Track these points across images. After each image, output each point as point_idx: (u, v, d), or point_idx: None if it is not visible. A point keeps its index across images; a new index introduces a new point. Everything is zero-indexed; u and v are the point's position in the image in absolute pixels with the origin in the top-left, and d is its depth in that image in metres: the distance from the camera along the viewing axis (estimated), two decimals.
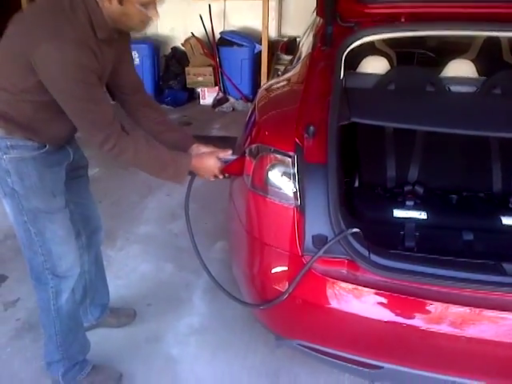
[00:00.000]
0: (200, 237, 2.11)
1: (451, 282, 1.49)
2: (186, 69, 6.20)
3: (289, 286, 1.59)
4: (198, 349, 2.21)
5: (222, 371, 2.08)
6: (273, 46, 5.96)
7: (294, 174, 1.61)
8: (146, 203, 3.56)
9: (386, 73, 2.31)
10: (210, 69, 6.10)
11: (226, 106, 5.97)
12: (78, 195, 1.97)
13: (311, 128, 1.68)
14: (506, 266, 1.56)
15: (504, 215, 2.06)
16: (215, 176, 1.84)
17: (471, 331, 1.47)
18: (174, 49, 6.47)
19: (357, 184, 2.43)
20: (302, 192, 1.60)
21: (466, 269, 1.53)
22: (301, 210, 1.60)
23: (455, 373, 1.54)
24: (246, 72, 6.03)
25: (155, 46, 6.24)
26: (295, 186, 1.61)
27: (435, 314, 1.49)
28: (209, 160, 1.80)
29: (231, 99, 6.08)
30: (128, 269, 2.78)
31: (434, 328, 1.48)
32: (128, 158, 1.65)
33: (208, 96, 6.15)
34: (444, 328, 1.48)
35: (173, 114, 5.81)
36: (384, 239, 1.88)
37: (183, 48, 6.35)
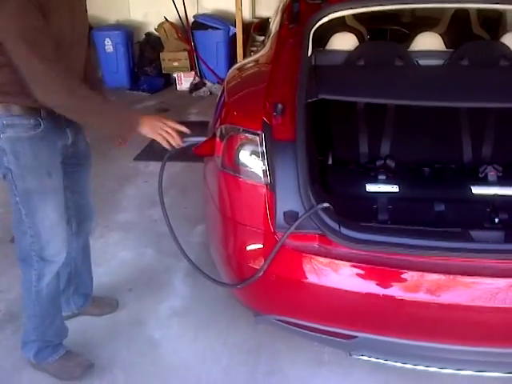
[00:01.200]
0: (180, 221, 2.13)
1: (419, 250, 1.53)
2: (161, 54, 6.12)
3: (263, 263, 1.62)
4: (180, 330, 2.24)
5: (204, 350, 2.11)
6: (247, 27, 5.89)
7: (262, 153, 1.62)
8: (124, 190, 3.55)
9: (355, 49, 2.31)
10: (186, 53, 6.04)
11: (203, 91, 5.93)
12: (77, 184, 1.97)
13: (279, 106, 1.68)
14: (474, 233, 1.60)
15: (474, 185, 2.11)
16: (167, 134, 1.79)
17: (442, 297, 1.51)
18: (148, 34, 6.38)
19: (330, 161, 2.46)
20: (271, 170, 1.62)
21: (433, 237, 1.57)
22: (271, 187, 1.62)
23: (428, 339, 1.58)
24: (222, 55, 5.98)
25: (128, 32, 6.15)
26: (264, 164, 1.62)
27: (404, 283, 1.53)
28: (157, 117, 1.81)
29: (208, 83, 6.04)
30: (108, 256, 2.78)
31: (404, 296, 1.52)
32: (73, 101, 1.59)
33: (184, 81, 6.10)
34: (414, 295, 1.52)
35: (149, 100, 5.77)
36: (358, 214, 1.91)
37: (157, 33, 6.27)
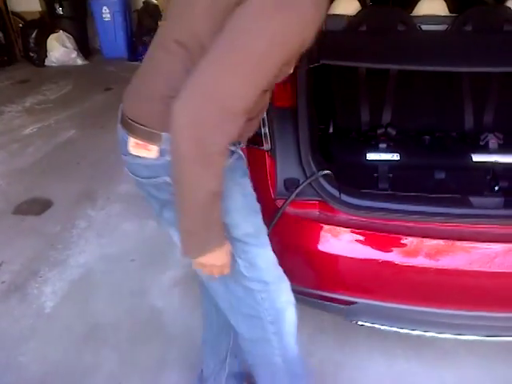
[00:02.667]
0: None
1: (418, 216, 1.52)
2: (160, 23, 5.98)
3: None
4: (182, 299, 2.26)
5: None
6: None
7: (263, 119, 1.60)
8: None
9: (357, 13, 2.27)
10: None
11: None
12: None
13: None
14: (473, 199, 1.59)
15: (474, 153, 2.09)
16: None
17: (441, 263, 1.51)
18: (146, 2, 6.26)
19: (331, 130, 2.44)
20: (272, 136, 1.60)
21: (432, 203, 1.57)
22: (272, 154, 1.60)
23: (426, 304, 1.59)
24: None
25: (126, 0, 6.02)
26: (265, 131, 1.60)
27: (403, 249, 1.53)
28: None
29: None
30: (110, 227, 2.79)
31: (403, 262, 1.53)
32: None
33: None
34: (413, 261, 1.53)
35: None
36: (359, 182, 1.91)
37: (155, 1, 6.14)
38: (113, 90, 5.09)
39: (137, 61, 5.96)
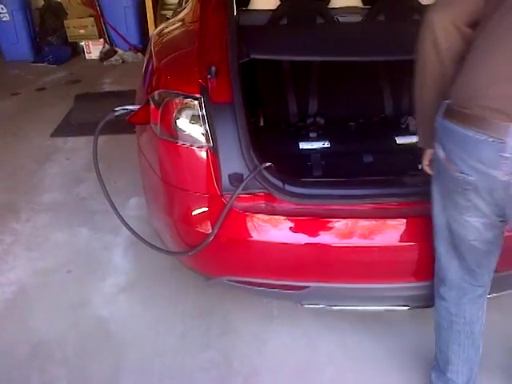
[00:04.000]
0: (112, 196, 2.06)
1: (362, 199, 1.62)
2: (65, 22, 5.72)
3: (212, 227, 1.63)
4: (128, 305, 2.20)
5: (156, 321, 2.11)
6: None
7: (202, 116, 1.60)
8: (45, 170, 3.35)
9: (277, 7, 2.32)
10: (92, 19, 5.69)
11: (114, 59, 5.66)
12: None
13: (213, 68, 1.66)
14: (405, 179, 1.71)
15: (397, 136, 2.25)
16: None
17: (381, 240, 1.62)
18: (48, 0, 5.91)
19: (262, 123, 2.49)
20: (213, 133, 1.61)
21: (373, 186, 1.67)
22: (214, 151, 1.61)
23: (372, 280, 1.70)
24: (132, 20, 5.71)
25: None
26: (205, 128, 1.61)
27: (347, 231, 1.62)
28: None
29: (119, 51, 5.76)
30: (39, 240, 2.64)
31: (348, 243, 1.61)
32: None
33: (93, 49, 5.78)
34: (356, 241, 1.62)
35: (57, 72, 5.40)
36: (294, 172, 1.97)
37: None
38: (21, 94, 4.78)
39: (43, 62, 5.63)
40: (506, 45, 1.17)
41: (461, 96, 1.24)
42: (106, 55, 5.71)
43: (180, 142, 1.64)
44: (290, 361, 1.92)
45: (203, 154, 1.63)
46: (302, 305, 1.84)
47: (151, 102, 1.74)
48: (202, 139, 1.62)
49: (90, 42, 5.76)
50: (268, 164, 1.63)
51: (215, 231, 1.60)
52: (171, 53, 1.89)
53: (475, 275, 1.49)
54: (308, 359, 1.93)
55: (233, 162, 1.62)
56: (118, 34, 5.71)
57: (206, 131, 1.61)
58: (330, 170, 2.18)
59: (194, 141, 1.63)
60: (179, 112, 1.63)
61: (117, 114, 1.82)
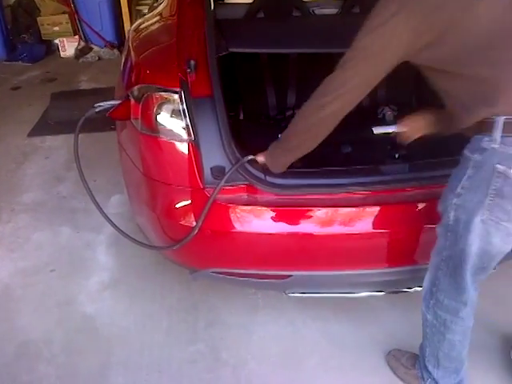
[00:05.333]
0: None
1: (340, 188, 1.65)
2: (38, 19, 5.63)
3: (196, 220, 1.65)
4: (114, 302, 2.21)
5: (142, 317, 2.12)
6: None
7: (183, 110, 1.61)
8: (23, 169, 3.31)
9: (254, 1, 2.34)
10: (66, 16, 5.61)
11: (90, 56, 5.59)
12: None
13: (192, 62, 1.67)
14: (383, 167, 1.75)
15: (374, 125, 2.28)
16: None
17: (359, 228, 1.66)
18: None
19: (242, 116, 2.51)
20: (194, 127, 1.62)
21: (351, 175, 1.71)
22: (195, 144, 1.62)
23: (352, 267, 1.74)
24: (107, 16, 5.63)
25: None
26: (186, 122, 1.62)
27: (327, 219, 1.65)
28: None
29: (95, 48, 5.69)
30: (21, 240, 2.62)
31: (328, 231, 1.65)
32: None
33: (68, 47, 5.69)
34: (337, 229, 1.66)
35: (32, 70, 5.31)
36: None
37: None
38: None
39: (17, 61, 5.52)
40: None
41: None
42: (81, 52, 5.64)
43: (161, 137, 1.65)
44: (276, 350, 1.96)
45: (185, 148, 1.64)
46: (286, 293, 1.87)
47: (131, 98, 1.74)
48: (183, 133, 1.63)
49: (64, 40, 5.67)
50: (250, 157, 1.64)
51: (199, 224, 1.62)
52: (150, 48, 1.89)
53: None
54: (293, 347, 1.97)
55: (214, 154, 1.64)
56: (93, 30, 5.64)
57: (187, 125, 1.62)
58: (309, 160, 2.20)
59: (175, 135, 1.64)
60: (159, 106, 1.64)
61: (97, 110, 1.81)
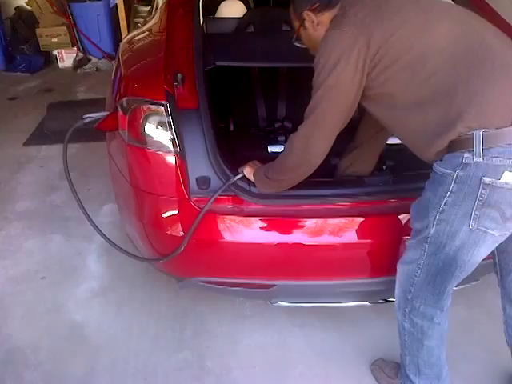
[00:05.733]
0: (85, 203, 2.09)
1: (318, 199, 1.69)
2: (37, 30, 5.69)
3: (183, 231, 1.67)
4: (102, 309, 2.23)
5: (129, 324, 2.14)
6: None
7: (169, 122, 1.65)
8: (18, 178, 3.35)
9: (244, 15, 2.39)
10: (64, 28, 5.68)
11: (88, 67, 5.66)
12: None
13: (179, 75, 1.72)
14: (366, 179, 1.79)
15: None
16: None
17: (344, 238, 1.69)
18: (19, 9, 5.89)
19: (232, 128, 2.55)
20: (179, 138, 1.66)
21: (335, 186, 1.74)
22: (181, 155, 1.66)
23: (336, 277, 1.77)
24: (105, 28, 5.72)
25: None
26: (172, 134, 1.65)
27: (309, 230, 1.69)
28: None
29: (93, 59, 5.77)
30: (13, 248, 2.65)
31: (311, 241, 1.68)
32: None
33: (67, 58, 5.76)
34: (321, 240, 1.69)
35: (31, 81, 5.38)
36: None
37: (29, 7, 5.80)
38: None
39: (16, 71, 5.59)
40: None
41: (500, 114, 1.28)
42: (79, 63, 5.71)
43: (147, 148, 1.69)
44: (261, 359, 1.98)
45: (171, 159, 1.68)
46: (271, 303, 1.89)
47: (119, 109, 1.78)
48: (169, 144, 1.67)
49: (63, 51, 5.74)
50: (240, 175, 1.67)
51: (187, 239, 1.65)
52: (138, 61, 1.94)
53: None
54: (279, 356, 1.99)
55: (200, 165, 1.67)
56: (91, 42, 5.72)
57: (173, 136, 1.66)
58: None
59: (162, 146, 1.68)
60: (146, 118, 1.68)
61: (85, 121, 1.85)
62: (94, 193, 3.08)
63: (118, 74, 1.95)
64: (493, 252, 1.54)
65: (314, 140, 1.47)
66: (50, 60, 5.88)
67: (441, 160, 1.36)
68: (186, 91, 1.73)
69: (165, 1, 2.28)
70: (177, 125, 1.65)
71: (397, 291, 1.60)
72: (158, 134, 1.68)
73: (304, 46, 1.65)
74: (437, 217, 1.38)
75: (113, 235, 2.19)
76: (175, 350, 2.02)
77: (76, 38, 5.77)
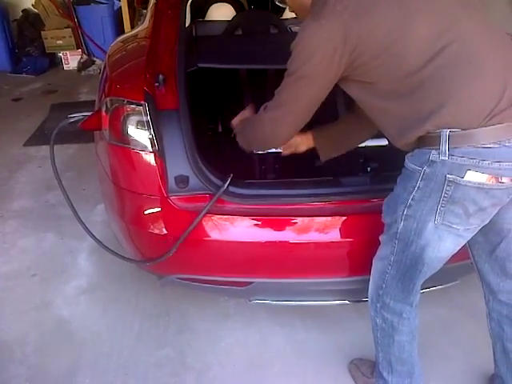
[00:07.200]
0: (80, 203, 2.15)
1: (293, 198, 1.71)
2: (43, 32, 5.80)
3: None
4: (89, 306, 2.28)
5: (115, 321, 2.18)
6: (133, 0, 5.75)
7: (147, 122, 1.69)
8: (16, 178, 3.42)
9: (232, 18, 2.43)
10: (69, 30, 5.78)
11: (92, 69, 5.75)
12: None
13: (160, 77, 1.75)
14: (343, 179, 1.81)
15: None
16: None
17: (319, 237, 1.72)
18: (26, 11, 6.01)
19: (220, 129, 2.58)
20: (158, 138, 1.69)
21: (309, 186, 1.77)
22: (160, 154, 1.70)
23: (313, 275, 1.79)
24: (109, 31, 5.80)
25: (2, 9, 5.75)
26: (151, 133, 1.69)
27: (285, 228, 1.71)
28: None
29: (97, 61, 5.85)
30: (7, 245, 2.71)
31: (286, 239, 1.71)
32: None
33: (71, 60, 5.86)
34: (296, 238, 1.71)
35: (35, 82, 5.48)
36: (250, 175, 2.06)
37: (35, 10, 5.91)
38: None
39: (21, 73, 5.70)
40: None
41: (468, 116, 1.28)
42: (83, 65, 5.80)
43: (127, 147, 1.72)
44: (241, 356, 2.00)
45: (150, 158, 1.71)
46: (250, 301, 1.92)
47: (102, 109, 1.82)
48: (148, 144, 1.70)
49: (67, 53, 5.84)
50: (227, 185, 1.69)
51: (176, 246, 1.67)
52: (122, 63, 1.98)
53: None
54: (259, 354, 2.01)
55: (178, 164, 1.70)
56: (96, 44, 5.81)
57: (152, 136, 1.69)
58: (282, 172, 2.27)
59: (141, 145, 1.71)
60: (126, 118, 1.71)
61: (71, 120, 1.90)
62: (89, 193, 3.13)
63: (104, 75, 2.00)
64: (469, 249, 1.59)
65: (281, 126, 1.50)
66: (55, 62, 5.98)
67: (411, 155, 1.39)
68: (167, 92, 1.77)
69: (153, 4, 2.33)
70: (156, 124, 1.69)
71: (370, 287, 1.63)
72: (138, 133, 1.71)
73: (284, 6, 1.68)
74: (405, 212, 1.40)
75: (104, 234, 2.23)
76: (157, 346, 2.05)
77: (81, 40, 5.87)
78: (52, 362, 1.99)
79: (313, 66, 1.36)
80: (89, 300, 2.31)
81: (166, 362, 1.98)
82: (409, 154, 1.40)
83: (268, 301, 1.92)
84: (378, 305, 1.60)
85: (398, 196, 1.44)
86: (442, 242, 1.39)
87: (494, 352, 1.72)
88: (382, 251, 1.55)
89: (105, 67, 2.04)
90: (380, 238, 1.54)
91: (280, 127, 1.50)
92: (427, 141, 1.34)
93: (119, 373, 1.94)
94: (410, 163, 1.39)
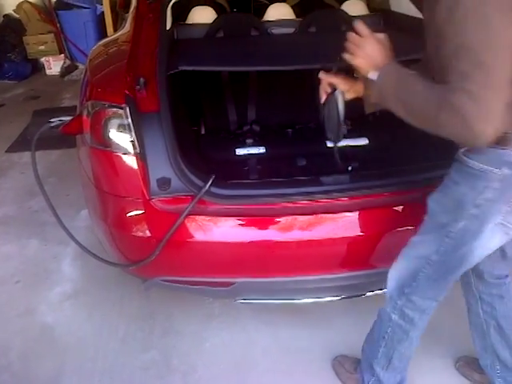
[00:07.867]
0: (63, 209, 2.14)
1: (279, 198, 1.72)
2: (24, 38, 5.77)
3: (151, 233, 1.70)
4: (73, 311, 2.27)
5: (100, 326, 2.17)
6: (116, 5, 5.74)
7: (128, 125, 1.69)
8: None
9: (214, 21, 2.44)
10: (52, 35, 5.75)
11: (75, 74, 5.72)
12: None
13: (141, 80, 1.76)
14: (323, 178, 1.83)
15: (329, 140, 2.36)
16: None
17: (301, 235, 1.73)
18: (7, 17, 5.97)
19: (203, 131, 2.60)
20: (140, 141, 1.70)
21: (290, 185, 1.78)
22: (141, 157, 1.70)
23: (295, 273, 1.80)
24: (92, 35, 5.77)
25: None
26: (132, 136, 1.69)
27: (267, 228, 1.73)
28: None
29: (80, 66, 5.82)
30: None
31: (268, 238, 1.72)
32: None
33: (54, 65, 5.83)
34: (278, 237, 1.73)
35: (17, 88, 5.44)
36: (232, 177, 2.07)
37: (17, 15, 5.87)
38: None
39: (3, 79, 5.65)
40: None
41: None
42: (66, 71, 5.77)
43: (109, 150, 1.72)
44: (227, 356, 2.01)
45: (131, 161, 1.71)
46: (235, 301, 1.93)
47: (84, 113, 1.82)
48: (130, 146, 1.70)
49: (50, 58, 5.81)
50: (208, 186, 1.69)
51: (158, 250, 1.67)
52: (103, 67, 1.98)
53: None
54: (244, 354, 2.02)
55: (160, 167, 1.71)
56: (79, 49, 5.78)
57: (133, 139, 1.70)
58: (265, 173, 2.28)
59: (122, 148, 1.71)
60: (107, 121, 1.71)
61: (52, 125, 1.89)
62: (73, 198, 3.10)
63: (85, 79, 2.00)
64: None
65: (488, 105, 1.09)
66: (37, 67, 5.94)
67: (477, 153, 1.27)
68: (148, 95, 1.77)
69: (134, 8, 2.34)
70: (137, 127, 1.69)
71: (391, 284, 1.55)
72: (119, 136, 1.71)
73: None
74: (471, 211, 1.31)
75: (89, 239, 2.22)
76: (143, 349, 2.05)
77: (63, 46, 5.84)
78: (36, 367, 1.98)
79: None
80: (73, 305, 2.30)
81: (152, 365, 1.98)
82: (467, 152, 1.30)
83: (253, 300, 1.93)
84: (400, 302, 1.54)
85: (463, 194, 1.32)
86: (492, 240, 1.36)
87: (486, 337, 1.73)
88: (419, 250, 1.46)
89: (86, 71, 2.04)
90: (415, 239, 1.47)
91: (489, 112, 1.12)
92: (503, 140, 1.21)
93: (105, 377, 1.93)
94: (476, 162, 1.28)
